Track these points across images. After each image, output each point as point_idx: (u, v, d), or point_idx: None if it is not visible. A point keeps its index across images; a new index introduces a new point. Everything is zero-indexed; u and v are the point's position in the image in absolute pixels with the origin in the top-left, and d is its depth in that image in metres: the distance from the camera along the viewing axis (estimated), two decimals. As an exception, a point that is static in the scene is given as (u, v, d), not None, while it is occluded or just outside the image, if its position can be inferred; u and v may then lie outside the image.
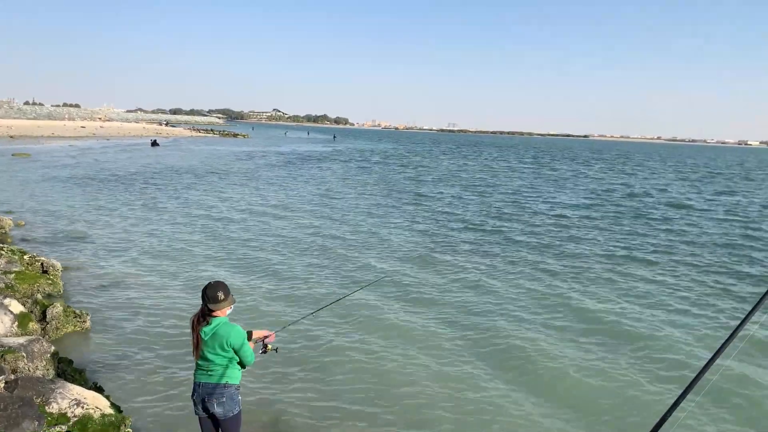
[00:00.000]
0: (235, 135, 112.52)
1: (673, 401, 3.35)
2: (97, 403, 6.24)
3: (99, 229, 17.54)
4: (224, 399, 4.85)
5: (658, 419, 3.37)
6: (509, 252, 17.10)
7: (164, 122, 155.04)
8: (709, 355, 3.46)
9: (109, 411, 6.24)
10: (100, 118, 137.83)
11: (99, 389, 7.06)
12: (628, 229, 22.16)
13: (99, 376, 7.78)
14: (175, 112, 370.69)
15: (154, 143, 63.75)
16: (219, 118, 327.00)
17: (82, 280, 12.19)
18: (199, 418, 5.02)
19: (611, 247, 18.31)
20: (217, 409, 4.85)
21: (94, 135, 78.57)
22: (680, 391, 3.36)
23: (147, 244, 16.01)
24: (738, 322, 3.40)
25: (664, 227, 22.90)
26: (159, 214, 20.96)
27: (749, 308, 3.31)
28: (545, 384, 8.36)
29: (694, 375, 3.36)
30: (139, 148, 59.28)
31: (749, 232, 22.69)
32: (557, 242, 18.82)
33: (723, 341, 3.35)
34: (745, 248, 19.19)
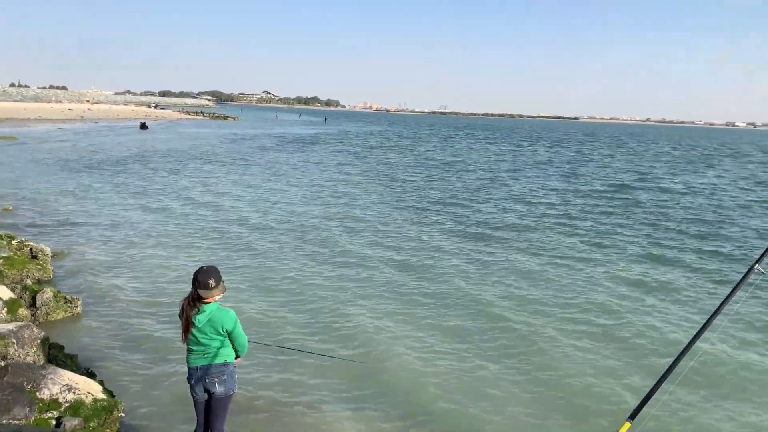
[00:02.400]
0: (225, 117, 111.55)
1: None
2: (89, 389, 6.20)
3: (89, 214, 17.37)
4: (225, 377, 4.85)
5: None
6: (491, 239, 17.16)
7: (153, 104, 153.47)
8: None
9: (102, 396, 6.21)
10: (87, 101, 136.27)
11: (91, 374, 7.02)
12: (609, 211, 22.29)
13: (91, 361, 7.73)
14: (164, 94, 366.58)
15: (143, 126, 63.04)
16: (209, 100, 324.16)
17: (72, 266, 12.09)
18: (195, 401, 4.99)
19: (590, 231, 18.41)
20: (219, 388, 4.83)
21: (81, 118, 77.57)
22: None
23: (138, 228, 15.89)
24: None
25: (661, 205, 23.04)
26: (149, 198, 20.79)
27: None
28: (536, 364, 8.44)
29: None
30: (128, 130, 58.65)
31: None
32: (536, 225, 18.90)
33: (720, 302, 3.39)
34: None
